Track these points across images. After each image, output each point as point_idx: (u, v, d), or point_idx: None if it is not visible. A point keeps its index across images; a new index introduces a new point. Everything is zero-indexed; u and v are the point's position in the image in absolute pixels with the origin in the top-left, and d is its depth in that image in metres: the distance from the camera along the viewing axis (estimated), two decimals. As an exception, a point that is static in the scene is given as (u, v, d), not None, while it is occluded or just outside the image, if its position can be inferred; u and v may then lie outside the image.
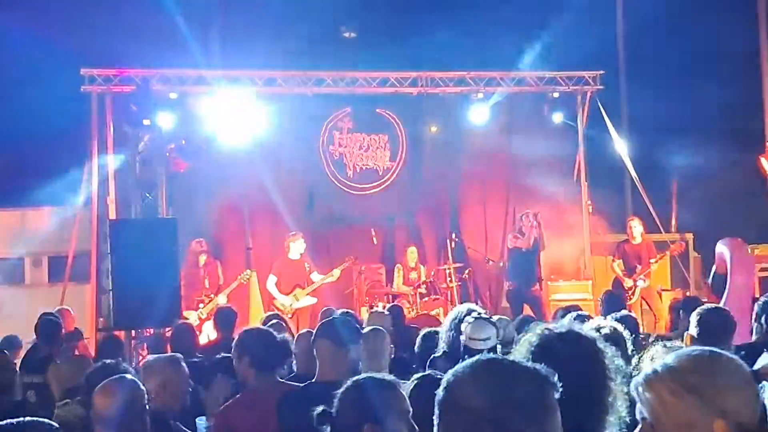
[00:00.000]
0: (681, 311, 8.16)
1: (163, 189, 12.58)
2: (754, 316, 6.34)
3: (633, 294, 13.14)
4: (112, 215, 13.17)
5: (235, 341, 5.16)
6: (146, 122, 12.30)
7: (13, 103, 13.56)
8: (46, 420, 2.91)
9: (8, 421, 2.68)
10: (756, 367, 2.08)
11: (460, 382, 1.93)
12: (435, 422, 1.94)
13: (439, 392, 1.95)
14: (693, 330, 4.98)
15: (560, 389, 1.92)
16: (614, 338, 4.03)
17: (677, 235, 15.76)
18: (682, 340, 5.25)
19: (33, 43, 13.46)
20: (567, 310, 8.04)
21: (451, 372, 1.98)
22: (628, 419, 2.52)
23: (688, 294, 14.12)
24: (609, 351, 2.68)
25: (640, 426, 2.09)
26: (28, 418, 2.78)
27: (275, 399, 4.58)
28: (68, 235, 13.63)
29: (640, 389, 2.09)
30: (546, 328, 2.74)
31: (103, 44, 13.93)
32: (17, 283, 14.86)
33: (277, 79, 14.15)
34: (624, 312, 6.90)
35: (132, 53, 13.60)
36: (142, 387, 4.23)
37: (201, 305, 12.26)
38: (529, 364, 1.99)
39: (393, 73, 14.59)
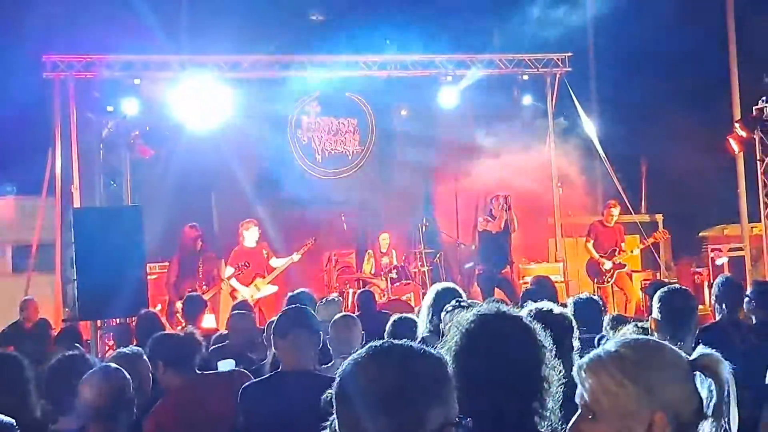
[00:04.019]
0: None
1: (128, 176, 12.38)
2: (713, 299, 6.31)
3: (611, 276, 13.16)
4: (77, 203, 12.96)
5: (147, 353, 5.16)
6: (110, 109, 12.10)
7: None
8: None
9: None
10: (692, 357, 2.08)
11: (359, 368, 1.94)
12: (335, 410, 1.96)
13: (337, 380, 1.97)
14: (656, 313, 4.89)
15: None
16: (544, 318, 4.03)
17: (647, 216, 15.81)
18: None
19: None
20: (536, 280, 8.05)
21: (346, 362, 1.99)
22: (561, 394, 2.56)
23: (657, 276, 14.21)
24: (538, 327, 2.69)
25: (579, 411, 2.08)
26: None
27: (200, 391, 4.80)
28: (32, 223, 13.40)
29: (583, 374, 2.08)
30: (469, 314, 2.73)
31: (65, 30, 13.68)
32: (-20, 274, 14.59)
33: (243, 63, 14.01)
34: (586, 294, 6.88)
35: (95, 39, 13.38)
36: (128, 377, 4.13)
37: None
38: (424, 347, 2.00)
39: (362, 56, 14.47)
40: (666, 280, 9.83)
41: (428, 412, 1.88)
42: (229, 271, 12.41)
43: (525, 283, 12.82)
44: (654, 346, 2.09)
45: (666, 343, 2.11)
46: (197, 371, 5.06)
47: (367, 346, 2.00)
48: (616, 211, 13.45)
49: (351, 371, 1.95)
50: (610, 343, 2.10)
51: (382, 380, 1.89)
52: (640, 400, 1.99)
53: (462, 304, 5.53)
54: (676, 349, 2.09)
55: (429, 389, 1.90)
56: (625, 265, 13.31)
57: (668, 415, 1.98)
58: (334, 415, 2.00)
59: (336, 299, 8.03)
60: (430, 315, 5.72)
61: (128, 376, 4.13)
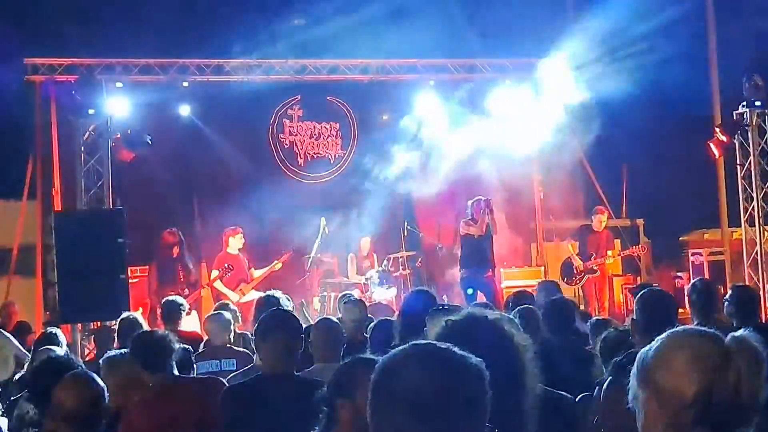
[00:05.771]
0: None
1: (110, 180, 12.34)
2: (688, 302, 6.35)
3: (581, 278, 13.24)
4: (58, 207, 12.91)
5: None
6: (91, 112, 12.03)
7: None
8: None
9: None
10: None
11: (400, 365, 1.91)
12: (369, 405, 1.92)
13: (375, 375, 1.93)
14: (635, 315, 4.92)
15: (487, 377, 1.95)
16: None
17: (628, 220, 15.89)
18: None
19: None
20: (517, 296, 8.07)
21: (387, 356, 1.96)
22: (539, 393, 2.57)
23: (638, 280, 14.29)
24: (515, 330, 2.66)
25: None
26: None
27: (176, 394, 4.77)
28: (13, 227, 13.34)
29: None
30: (449, 319, 2.66)
31: (47, 33, 13.62)
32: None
33: (225, 66, 13.99)
34: (560, 296, 6.92)
35: (77, 42, 13.34)
36: (102, 384, 4.05)
37: None
38: (466, 354, 1.96)
39: (343, 60, 14.48)
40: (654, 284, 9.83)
41: (459, 421, 1.86)
42: (213, 273, 12.39)
43: (507, 287, 12.88)
44: (677, 336, 2.09)
45: (700, 329, 2.11)
46: (173, 373, 4.99)
47: (409, 344, 1.98)
48: (602, 217, 13.55)
49: (389, 366, 1.92)
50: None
51: (415, 382, 1.86)
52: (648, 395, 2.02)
53: (445, 307, 5.55)
54: (707, 333, 2.07)
55: (463, 398, 1.88)
56: (596, 271, 13.35)
57: (659, 398, 1.99)
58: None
59: (358, 300, 8.00)
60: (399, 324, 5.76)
61: (102, 384, 4.04)
